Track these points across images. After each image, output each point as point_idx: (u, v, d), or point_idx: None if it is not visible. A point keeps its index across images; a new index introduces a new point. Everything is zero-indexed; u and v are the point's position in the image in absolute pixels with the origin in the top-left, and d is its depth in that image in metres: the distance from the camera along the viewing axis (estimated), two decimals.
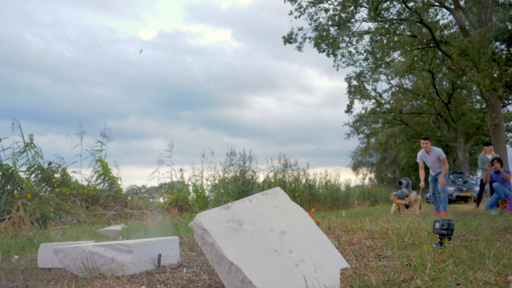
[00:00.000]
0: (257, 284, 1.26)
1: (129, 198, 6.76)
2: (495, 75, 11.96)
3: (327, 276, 1.43)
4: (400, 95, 26.93)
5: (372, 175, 44.86)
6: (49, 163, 6.01)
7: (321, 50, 18.87)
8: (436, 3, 17.43)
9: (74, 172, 6.53)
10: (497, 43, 12.66)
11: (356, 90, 22.16)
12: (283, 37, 18.41)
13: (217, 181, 10.08)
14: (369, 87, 23.26)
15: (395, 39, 19.23)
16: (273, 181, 11.28)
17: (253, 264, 1.33)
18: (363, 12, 18.77)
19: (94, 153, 6.88)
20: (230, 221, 1.46)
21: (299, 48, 18.76)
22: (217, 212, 1.48)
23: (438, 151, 7.31)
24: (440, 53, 19.12)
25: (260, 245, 1.43)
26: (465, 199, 17.07)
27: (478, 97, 24.29)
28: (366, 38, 19.86)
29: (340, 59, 20.38)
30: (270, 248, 1.44)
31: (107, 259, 1.88)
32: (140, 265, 1.92)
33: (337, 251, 1.64)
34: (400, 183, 8.80)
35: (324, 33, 18.29)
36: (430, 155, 7.32)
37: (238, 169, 10.33)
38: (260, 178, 11.20)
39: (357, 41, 19.81)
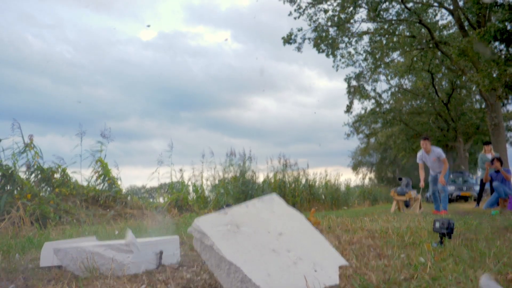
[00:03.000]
0: (257, 281, 1.27)
1: (129, 198, 6.76)
2: (494, 75, 11.96)
3: (326, 274, 1.44)
4: (399, 95, 26.94)
5: (372, 175, 44.88)
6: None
7: (321, 50, 18.88)
8: (435, 4, 17.45)
9: (74, 172, 6.52)
10: (496, 43, 12.67)
11: (356, 91, 22.18)
12: (283, 38, 18.41)
13: (217, 181, 10.08)
14: (368, 88, 23.28)
15: (394, 39, 19.24)
16: (273, 181, 11.28)
17: (252, 263, 1.35)
18: (362, 13, 18.76)
19: (94, 154, 6.87)
20: (228, 224, 1.50)
21: (299, 48, 18.76)
22: (214, 217, 1.52)
23: (438, 151, 7.30)
24: (439, 53, 19.13)
25: (258, 245, 1.46)
26: (465, 199, 17.07)
27: (477, 97, 24.31)
28: (366, 38, 19.87)
29: (340, 60, 20.39)
30: (268, 248, 1.46)
31: (107, 258, 1.88)
32: (141, 265, 1.91)
33: (334, 250, 1.65)
34: (400, 179, 8.78)
35: (324, 34, 18.30)
36: (430, 155, 7.30)
37: (238, 169, 10.32)
38: (260, 178, 11.20)
39: (356, 42, 19.81)
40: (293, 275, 1.36)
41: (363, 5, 17.59)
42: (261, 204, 1.73)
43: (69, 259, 1.93)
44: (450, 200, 16.62)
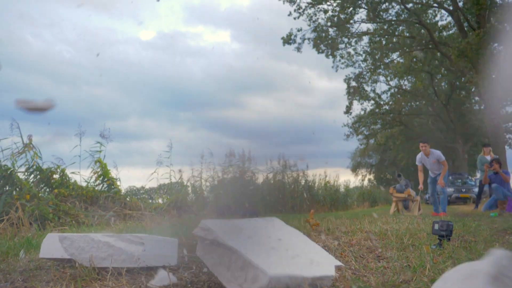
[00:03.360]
0: (255, 263, 1.32)
1: (128, 199, 6.76)
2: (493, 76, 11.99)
3: (322, 268, 1.52)
4: (399, 96, 26.96)
5: (371, 176, 44.82)
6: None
7: (320, 51, 18.89)
8: (435, 4, 17.47)
9: (73, 173, 6.52)
10: (496, 44, 12.68)
11: (355, 91, 22.19)
12: (282, 38, 18.42)
13: (216, 182, 10.07)
14: (368, 88, 23.31)
15: (394, 40, 19.27)
16: (272, 182, 11.27)
17: (252, 252, 1.45)
18: (362, 13, 18.76)
19: (93, 154, 6.87)
20: (232, 226, 1.68)
21: (298, 49, 18.77)
22: (219, 220, 1.70)
23: (437, 153, 7.28)
24: (438, 54, 19.15)
25: (259, 243, 1.58)
26: (464, 200, 17.06)
27: (477, 98, 24.33)
28: (365, 39, 19.90)
29: (339, 60, 20.41)
30: (268, 246, 1.57)
31: (117, 249, 1.83)
32: (149, 259, 1.90)
33: (331, 255, 1.73)
34: (399, 175, 8.75)
35: (323, 34, 18.31)
36: (429, 158, 7.28)
37: (237, 170, 10.32)
38: (259, 179, 11.19)
39: (356, 42, 19.84)
40: (292, 266, 1.44)
41: (363, 5, 17.61)
42: (262, 220, 1.93)
43: (75, 247, 1.85)
44: (449, 202, 16.61)
